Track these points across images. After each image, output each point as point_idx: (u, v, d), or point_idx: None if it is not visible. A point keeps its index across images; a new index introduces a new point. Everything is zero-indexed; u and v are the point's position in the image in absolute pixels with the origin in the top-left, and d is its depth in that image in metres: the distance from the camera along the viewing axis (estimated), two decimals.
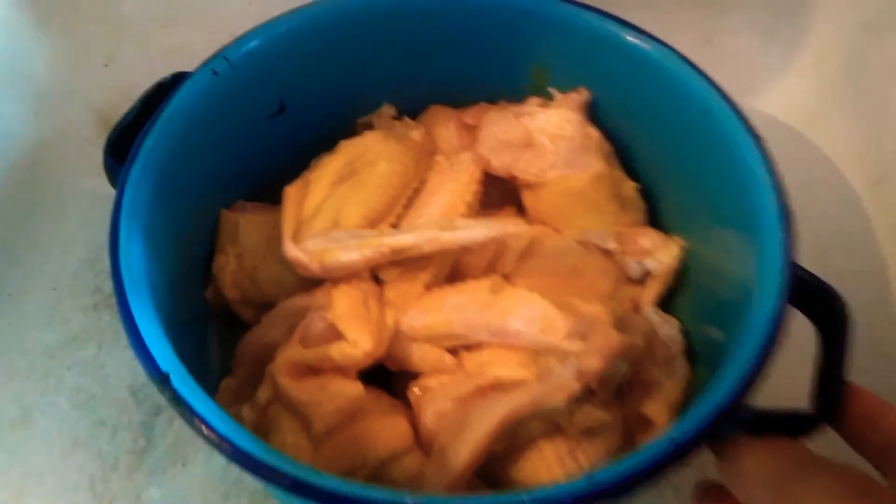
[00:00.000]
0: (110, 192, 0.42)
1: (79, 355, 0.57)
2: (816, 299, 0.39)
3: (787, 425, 0.37)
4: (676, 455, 0.33)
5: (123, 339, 0.37)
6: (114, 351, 0.57)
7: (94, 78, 0.69)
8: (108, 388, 0.55)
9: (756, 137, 0.42)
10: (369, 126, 0.55)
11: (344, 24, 0.50)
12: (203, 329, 0.50)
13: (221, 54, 0.47)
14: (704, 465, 0.38)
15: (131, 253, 0.40)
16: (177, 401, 0.35)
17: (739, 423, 0.36)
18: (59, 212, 0.63)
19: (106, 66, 0.70)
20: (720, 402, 0.34)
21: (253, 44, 0.48)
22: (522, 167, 0.51)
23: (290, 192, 0.50)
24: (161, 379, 0.35)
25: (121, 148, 0.44)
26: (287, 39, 0.49)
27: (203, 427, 0.34)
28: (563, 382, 0.41)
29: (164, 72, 0.48)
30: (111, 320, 0.58)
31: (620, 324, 0.44)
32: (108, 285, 0.39)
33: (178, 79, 0.47)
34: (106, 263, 0.39)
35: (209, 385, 0.46)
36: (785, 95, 0.68)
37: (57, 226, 0.62)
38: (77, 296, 0.59)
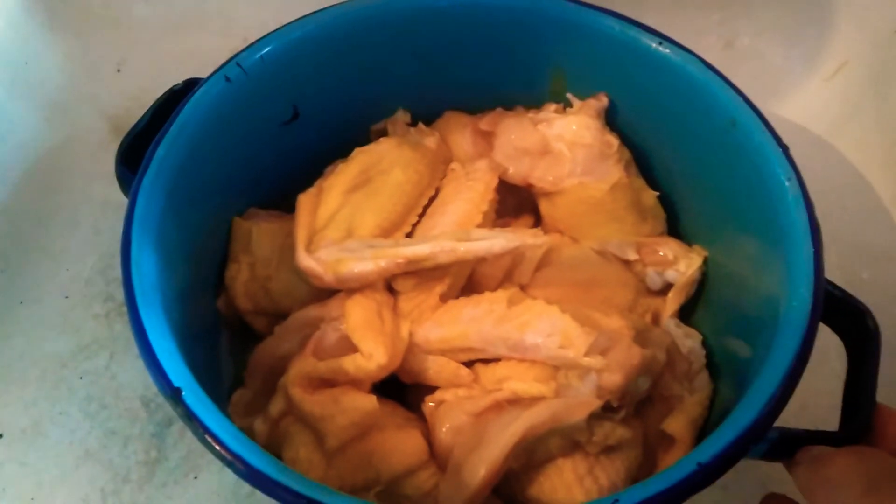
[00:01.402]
0: (123, 199, 0.42)
1: (90, 364, 0.56)
2: (845, 315, 0.38)
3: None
4: (702, 478, 0.32)
5: (135, 348, 0.37)
6: (125, 360, 0.56)
7: (106, 84, 0.68)
8: (120, 397, 0.55)
9: (783, 148, 0.41)
10: (383, 133, 0.54)
11: (358, 29, 0.49)
12: (215, 339, 0.50)
13: (234, 61, 0.46)
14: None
15: (143, 264, 0.39)
16: (189, 416, 0.35)
17: (766, 444, 0.35)
18: (71, 219, 0.62)
19: (118, 71, 0.69)
20: (748, 424, 0.33)
21: (266, 50, 0.47)
22: (539, 175, 0.50)
23: (304, 200, 0.49)
24: (173, 394, 0.35)
25: (132, 156, 0.44)
26: (301, 45, 0.48)
27: (215, 444, 0.34)
28: (582, 399, 0.40)
29: (176, 77, 0.47)
30: (123, 329, 0.57)
31: (641, 338, 0.43)
32: (120, 293, 0.39)
33: (190, 85, 0.46)
34: (118, 271, 0.39)
35: (221, 396, 0.46)
36: (808, 100, 0.66)
37: (69, 233, 0.62)
38: (89, 304, 0.59)
